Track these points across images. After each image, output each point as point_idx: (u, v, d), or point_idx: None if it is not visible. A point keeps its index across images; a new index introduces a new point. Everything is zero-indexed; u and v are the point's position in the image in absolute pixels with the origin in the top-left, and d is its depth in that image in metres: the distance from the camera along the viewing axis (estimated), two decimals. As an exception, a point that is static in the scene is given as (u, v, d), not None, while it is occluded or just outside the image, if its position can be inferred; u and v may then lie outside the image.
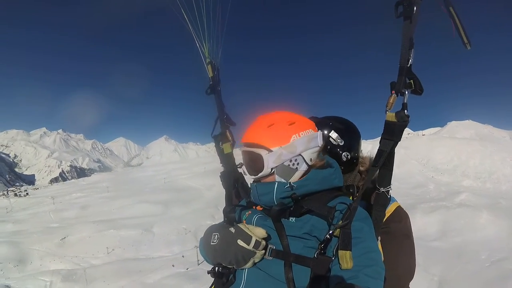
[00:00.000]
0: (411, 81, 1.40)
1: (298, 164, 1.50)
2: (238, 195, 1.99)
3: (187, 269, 16.68)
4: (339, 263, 1.21)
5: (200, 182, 36.68)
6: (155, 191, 35.32)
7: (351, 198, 1.54)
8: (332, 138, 1.78)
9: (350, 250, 1.21)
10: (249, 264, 1.39)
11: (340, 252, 1.21)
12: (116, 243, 21.50)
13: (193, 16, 1.92)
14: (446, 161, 36.46)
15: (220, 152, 2.02)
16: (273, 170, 1.48)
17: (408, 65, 1.40)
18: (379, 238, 1.48)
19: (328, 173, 1.52)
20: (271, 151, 1.46)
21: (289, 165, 1.49)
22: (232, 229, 1.42)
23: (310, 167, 1.53)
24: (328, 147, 1.78)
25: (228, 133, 2.03)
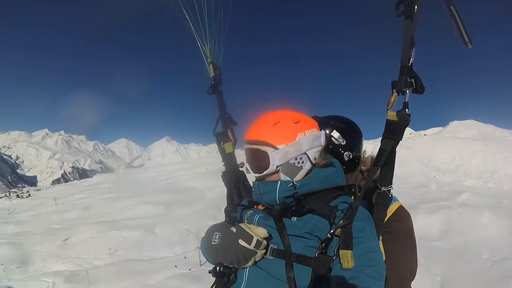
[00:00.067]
0: (412, 79, 1.39)
1: (303, 162, 1.50)
2: (240, 195, 1.99)
3: (189, 270, 16.67)
4: (340, 262, 1.20)
5: (202, 183, 36.66)
6: (157, 192, 35.30)
7: (353, 197, 1.54)
8: (334, 138, 1.77)
9: (351, 250, 1.21)
10: (250, 263, 1.39)
11: (341, 252, 1.21)
12: (118, 244, 21.50)
13: (194, 15, 1.92)
14: (448, 161, 36.39)
15: (222, 151, 2.02)
16: (278, 168, 1.48)
17: (409, 64, 1.40)
18: (381, 237, 1.48)
19: (331, 172, 1.52)
20: (277, 148, 1.45)
21: (294, 163, 1.49)
22: (234, 229, 1.41)
23: (313, 165, 1.53)
24: (330, 146, 1.77)
25: (229, 133, 2.03)
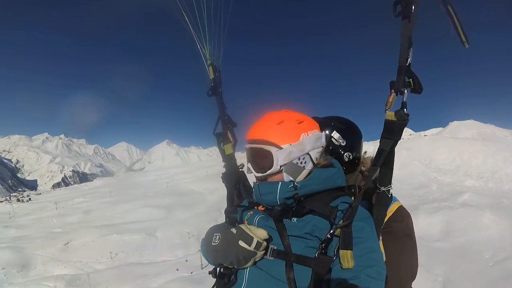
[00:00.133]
0: (410, 79, 1.40)
1: (305, 162, 1.50)
2: (240, 196, 1.98)
3: (191, 273, 16.62)
4: (340, 262, 1.20)
5: (202, 186, 36.59)
6: (157, 196, 35.21)
7: (353, 198, 1.54)
8: (334, 138, 1.78)
9: (351, 250, 1.21)
10: (250, 263, 1.39)
11: (341, 252, 1.21)
12: (119, 247, 21.44)
13: (194, 17, 1.93)
14: (449, 161, 36.29)
15: (222, 152, 2.02)
16: (281, 168, 1.47)
17: (407, 64, 1.40)
18: (381, 238, 1.48)
19: (331, 172, 1.53)
20: (281, 148, 1.45)
21: (297, 163, 1.48)
22: (234, 230, 1.42)
23: (315, 166, 1.53)
24: (330, 147, 1.78)
25: (229, 134, 2.03)
